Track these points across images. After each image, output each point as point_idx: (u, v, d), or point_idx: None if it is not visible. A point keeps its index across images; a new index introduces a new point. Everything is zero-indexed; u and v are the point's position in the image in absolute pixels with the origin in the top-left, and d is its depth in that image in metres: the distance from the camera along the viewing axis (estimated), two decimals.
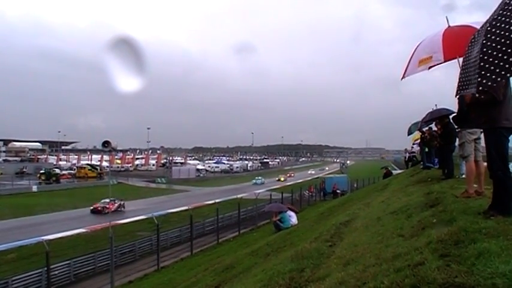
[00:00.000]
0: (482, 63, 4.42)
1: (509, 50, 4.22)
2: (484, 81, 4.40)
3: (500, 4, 4.58)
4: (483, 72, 4.40)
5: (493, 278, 3.20)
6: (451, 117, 10.59)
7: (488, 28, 4.50)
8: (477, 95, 5.48)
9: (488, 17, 4.77)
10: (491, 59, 4.34)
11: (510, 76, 4.39)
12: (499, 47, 4.31)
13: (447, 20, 8.25)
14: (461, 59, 5.95)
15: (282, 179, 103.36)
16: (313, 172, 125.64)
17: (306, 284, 5.29)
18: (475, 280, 3.23)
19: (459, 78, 5.19)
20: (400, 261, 4.29)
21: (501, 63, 4.27)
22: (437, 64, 8.05)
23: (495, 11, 4.60)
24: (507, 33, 4.28)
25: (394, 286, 3.63)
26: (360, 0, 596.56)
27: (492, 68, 4.33)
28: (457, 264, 3.65)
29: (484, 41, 4.48)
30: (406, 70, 8.82)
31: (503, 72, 4.29)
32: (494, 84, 4.53)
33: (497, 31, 4.40)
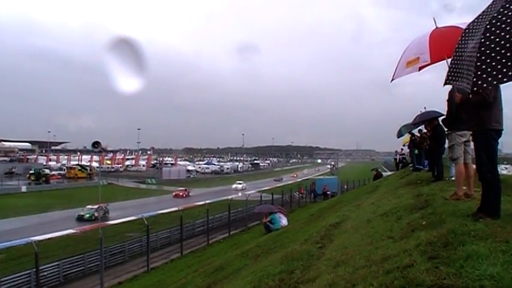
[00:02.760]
0: (479, 63, 4.37)
1: (508, 54, 4.19)
2: (480, 82, 4.37)
3: (497, 2, 4.55)
4: (479, 73, 4.36)
5: (482, 280, 3.22)
6: (440, 119, 10.64)
7: (488, 26, 4.41)
8: (469, 95, 5.53)
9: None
10: (488, 60, 4.26)
11: (507, 82, 4.37)
12: (498, 49, 4.22)
13: (434, 22, 8.30)
14: (449, 60, 5.98)
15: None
16: (238, 187, 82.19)
17: (296, 285, 5.29)
18: (464, 282, 3.24)
19: (449, 68, 5.20)
20: (389, 263, 4.30)
21: (499, 67, 4.22)
22: (425, 65, 8.08)
23: (492, 9, 4.57)
24: (507, 36, 4.23)
25: None
26: (352, 3, 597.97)
27: (489, 69, 4.27)
28: (446, 266, 3.67)
29: (483, 40, 4.39)
30: (394, 72, 8.86)
31: (500, 76, 4.24)
32: (490, 87, 4.53)
33: (498, 31, 4.30)
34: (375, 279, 3.96)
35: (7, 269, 23.99)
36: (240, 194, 57.63)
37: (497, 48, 4.26)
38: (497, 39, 4.28)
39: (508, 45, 4.20)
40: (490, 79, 4.30)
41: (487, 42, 4.36)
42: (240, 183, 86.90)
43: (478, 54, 4.38)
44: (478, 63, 4.35)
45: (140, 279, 23.14)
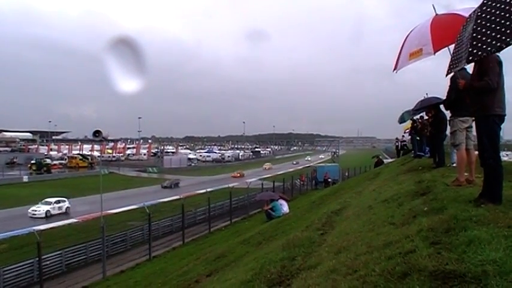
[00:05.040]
0: (475, 34, 4.46)
1: (502, 22, 4.23)
2: (475, 51, 4.45)
3: None
4: (475, 43, 4.44)
5: (484, 265, 3.21)
6: (442, 106, 10.59)
7: (485, 1, 4.53)
8: (472, 81, 5.52)
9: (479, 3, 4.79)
10: (484, 30, 4.40)
11: (503, 47, 4.39)
12: (493, 18, 4.36)
13: (434, 8, 8.21)
14: (451, 47, 5.95)
15: None
16: (39, 211, 42.85)
17: (298, 272, 5.29)
18: (466, 267, 3.23)
19: (451, 57, 5.22)
20: (391, 249, 4.29)
21: (493, 34, 4.31)
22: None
23: None
24: (502, 6, 4.32)
25: (385, 274, 3.63)
26: None
27: (484, 38, 4.38)
28: (448, 252, 3.66)
29: (479, 13, 4.52)
30: (397, 63, 8.80)
31: (494, 42, 4.32)
32: (484, 54, 4.55)
33: (493, 3, 4.43)
34: (377, 265, 3.96)
35: (10, 258, 24.14)
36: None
37: (492, 18, 4.40)
38: (493, 10, 4.41)
39: (502, 13, 4.25)
40: (484, 46, 4.40)
41: (483, 15, 4.52)
42: (49, 205, 44.19)
43: (475, 27, 4.46)
44: (474, 34, 4.48)
45: (142, 268, 23.24)
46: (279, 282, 5.26)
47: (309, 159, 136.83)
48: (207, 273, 10.42)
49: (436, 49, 7.59)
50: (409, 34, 8.70)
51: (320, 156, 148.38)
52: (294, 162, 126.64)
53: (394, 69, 8.94)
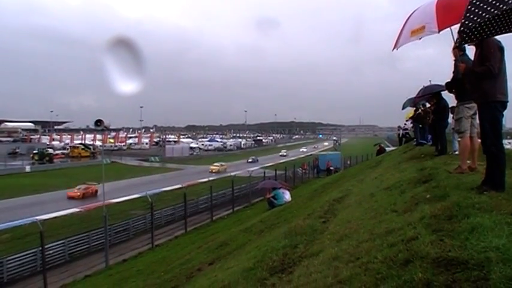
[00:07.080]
0: (469, 6, 4.41)
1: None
2: (466, 21, 4.39)
3: None
4: (468, 14, 4.39)
5: (486, 252, 3.19)
6: (444, 91, 10.52)
7: None
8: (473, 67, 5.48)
9: None
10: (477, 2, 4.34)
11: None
12: None
13: None
14: (453, 27, 5.89)
15: None
16: None
17: (300, 259, 5.29)
18: (469, 254, 3.22)
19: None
20: (393, 237, 4.29)
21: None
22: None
23: None
24: None
25: (387, 261, 3.62)
26: None
27: (476, 10, 4.32)
28: (451, 239, 3.65)
29: None
30: (398, 40, 8.67)
31: (484, 14, 4.28)
32: (471, 24, 4.51)
33: None
34: (379, 252, 3.95)
35: (13, 248, 24.21)
36: None
37: None
38: None
39: None
40: (475, 17, 4.32)
41: None
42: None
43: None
44: (469, 6, 4.39)
45: (145, 256, 23.29)
46: (281, 269, 5.26)
47: (285, 154, 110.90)
48: (209, 262, 10.43)
49: (441, 27, 7.47)
50: (412, 13, 8.58)
51: (301, 150, 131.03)
52: (250, 160, 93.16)
53: (394, 47, 8.81)
